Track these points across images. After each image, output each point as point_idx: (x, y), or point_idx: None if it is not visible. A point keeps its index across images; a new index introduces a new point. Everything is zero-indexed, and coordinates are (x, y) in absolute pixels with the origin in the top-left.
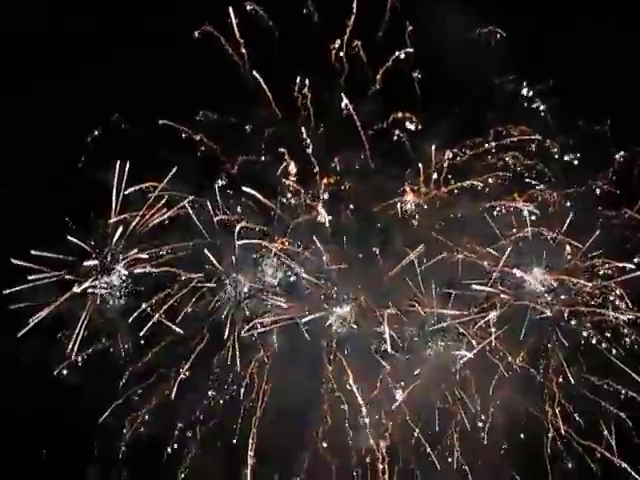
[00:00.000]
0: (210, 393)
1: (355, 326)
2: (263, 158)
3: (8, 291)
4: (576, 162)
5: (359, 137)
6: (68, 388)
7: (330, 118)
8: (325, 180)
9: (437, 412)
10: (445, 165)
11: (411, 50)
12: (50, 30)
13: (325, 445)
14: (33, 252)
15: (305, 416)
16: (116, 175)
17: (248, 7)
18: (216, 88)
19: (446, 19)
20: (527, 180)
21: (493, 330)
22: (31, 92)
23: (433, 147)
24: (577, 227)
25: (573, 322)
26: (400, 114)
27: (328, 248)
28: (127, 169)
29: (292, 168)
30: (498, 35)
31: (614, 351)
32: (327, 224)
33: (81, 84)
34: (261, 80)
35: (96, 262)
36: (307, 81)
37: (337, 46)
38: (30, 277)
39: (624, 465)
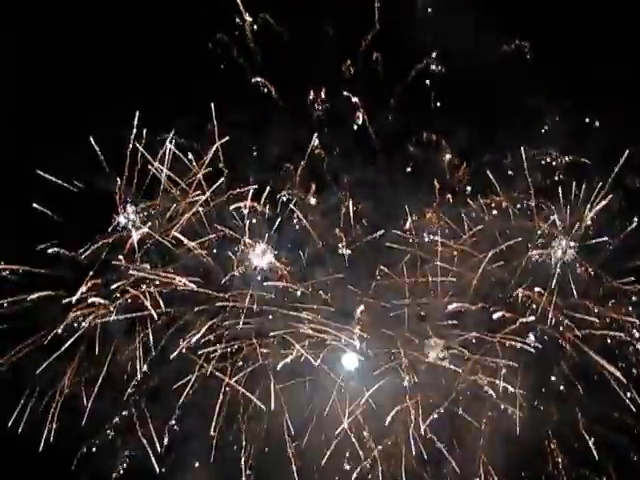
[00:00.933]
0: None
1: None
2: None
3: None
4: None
5: (373, 151)
6: (66, 405)
7: (344, 131)
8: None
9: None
10: (463, 179)
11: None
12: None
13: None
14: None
15: (305, 439)
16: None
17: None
18: (228, 100)
19: (470, 32)
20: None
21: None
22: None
23: (447, 159)
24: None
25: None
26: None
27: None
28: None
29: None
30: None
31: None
32: (343, 246)
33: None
34: (272, 90)
35: (98, 280)
36: (322, 93)
37: (353, 59)
38: None
39: None
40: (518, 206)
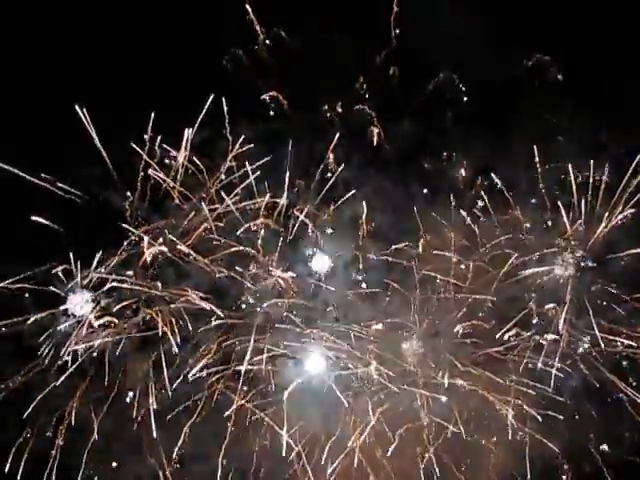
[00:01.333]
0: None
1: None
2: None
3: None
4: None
5: (388, 166)
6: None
7: (359, 146)
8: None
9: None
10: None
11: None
12: None
13: None
14: None
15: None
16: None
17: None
18: (241, 115)
19: (487, 47)
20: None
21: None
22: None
23: (462, 174)
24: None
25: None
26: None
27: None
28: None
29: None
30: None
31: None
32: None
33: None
34: (286, 104)
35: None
36: (337, 108)
37: (369, 73)
38: None
39: None
40: (533, 222)
